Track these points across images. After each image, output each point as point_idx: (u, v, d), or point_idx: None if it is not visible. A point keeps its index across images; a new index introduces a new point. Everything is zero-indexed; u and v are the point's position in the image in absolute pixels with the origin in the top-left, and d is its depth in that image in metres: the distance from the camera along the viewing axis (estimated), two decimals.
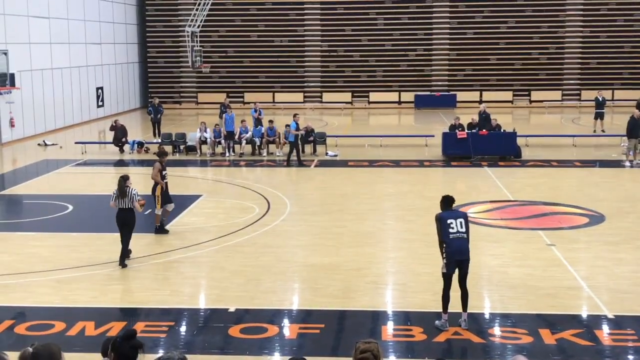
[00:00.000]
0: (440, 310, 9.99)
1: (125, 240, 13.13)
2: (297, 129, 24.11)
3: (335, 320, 10.45)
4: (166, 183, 15.37)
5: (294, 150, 23.72)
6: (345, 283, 11.94)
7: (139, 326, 10.12)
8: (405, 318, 10.48)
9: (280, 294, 11.60)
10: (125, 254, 13.12)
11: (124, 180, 13.25)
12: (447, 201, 10.06)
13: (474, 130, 24.63)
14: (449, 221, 9.84)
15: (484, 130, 24.51)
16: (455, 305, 10.08)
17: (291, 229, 15.64)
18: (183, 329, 10.25)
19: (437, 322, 10.04)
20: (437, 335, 9.76)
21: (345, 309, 10.86)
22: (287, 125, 26.18)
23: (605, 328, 10.06)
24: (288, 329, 10.14)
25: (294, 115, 24.88)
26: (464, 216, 10.02)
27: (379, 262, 13.32)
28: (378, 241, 14.67)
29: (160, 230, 15.25)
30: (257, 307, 10.98)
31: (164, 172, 15.37)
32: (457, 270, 9.97)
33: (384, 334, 9.90)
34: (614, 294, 11.32)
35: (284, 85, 43.39)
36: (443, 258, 9.91)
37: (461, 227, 9.84)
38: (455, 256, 9.83)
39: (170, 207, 15.47)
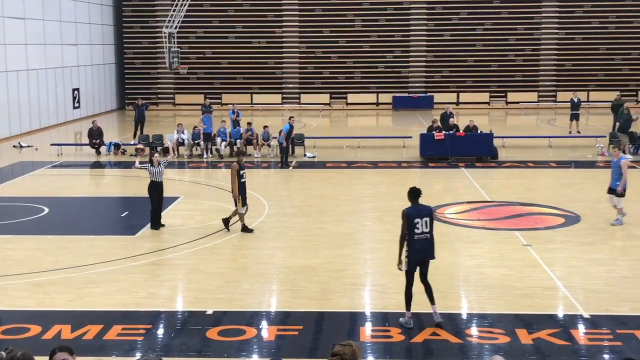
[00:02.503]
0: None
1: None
2: (290, 131, 24.16)
3: (313, 322, 10.44)
4: (244, 183, 15.35)
5: (287, 151, 23.98)
6: (324, 284, 11.95)
7: (116, 329, 10.07)
8: (384, 319, 10.51)
9: (259, 296, 11.58)
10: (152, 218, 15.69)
11: (150, 156, 16.18)
12: (414, 194, 10.15)
13: (451, 132, 24.78)
14: (415, 220, 9.93)
15: (443, 131, 24.61)
16: (424, 305, 10.14)
17: (269, 230, 15.62)
18: (160, 331, 10.20)
19: (401, 319, 10.16)
20: (415, 335, 9.80)
21: (324, 310, 10.86)
22: (266, 126, 26.23)
23: (581, 328, 10.15)
24: (266, 331, 10.13)
25: (290, 118, 24.96)
26: (430, 214, 10.09)
27: (357, 263, 13.34)
28: (356, 242, 14.70)
29: (245, 229, 15.33)
30: (235, 309, 10.95)
31: (242, 172, 15.38)
32: (417, 269, 10.12)
33: (362, 335, 9.92)
34: (590, 293, 11.43)
35: (262, 86, 43.33)
36: (405, 256, 10.04)
37: (426, 227, 9.97)
38: (417, 257, 10.01)
39: (244, 209, 15.44)
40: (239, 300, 11.33)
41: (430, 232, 10.01)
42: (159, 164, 15.61)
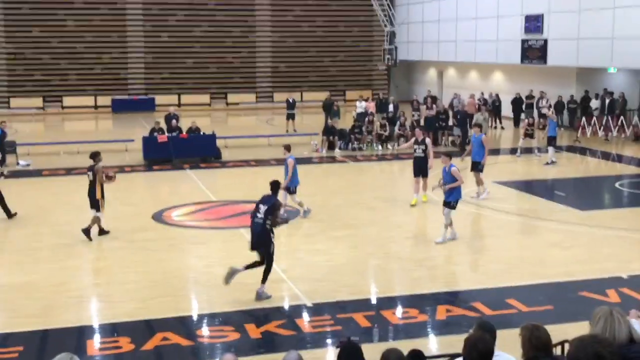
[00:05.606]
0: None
1: None
2: (3, 137, 22.37)
3: (35, 341, 9.83)
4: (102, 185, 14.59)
5: None
6: (46, 301, 11.27)
7: None
8: (112, 330, 10.20)
9: None
10: None
11: None
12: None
13: (174, 134, 24.72)
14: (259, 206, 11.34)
15: (166, 133, 24.64)
16: (154, 311, 10.03)
17: None
18: None
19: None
20: (145, 343, 9.64)
21: (47, 328, 10.25)
22: None
23: (305, 316, 10.71)
24: None
25: (1, 122, 23.05)
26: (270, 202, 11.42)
27: (82, 275, 12.82)
28: (80, 253, 14.05)
29: (104, 232, 14.88)
30: None
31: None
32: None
33: (89, 349, 9.53)
34: (311, 283, 12.10)
35: None
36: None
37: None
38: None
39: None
40: None
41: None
42: None
